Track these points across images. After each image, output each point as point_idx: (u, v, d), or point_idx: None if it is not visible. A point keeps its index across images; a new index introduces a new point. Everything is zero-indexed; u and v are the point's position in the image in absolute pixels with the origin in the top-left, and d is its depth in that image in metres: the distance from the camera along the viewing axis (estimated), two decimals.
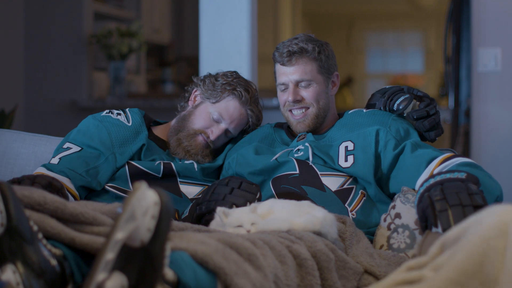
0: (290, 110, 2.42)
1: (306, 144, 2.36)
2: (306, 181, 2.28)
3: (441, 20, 5.91)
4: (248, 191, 2.16)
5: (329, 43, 2.46)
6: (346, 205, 2.25)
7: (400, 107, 2.39)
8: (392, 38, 10.40)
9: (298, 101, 2.40)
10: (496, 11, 4.09)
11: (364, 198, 2.27)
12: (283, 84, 2.42)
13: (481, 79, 4.12)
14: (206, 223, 2.08)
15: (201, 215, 2.16)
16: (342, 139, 2.36)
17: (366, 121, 2.38)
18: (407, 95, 2.41)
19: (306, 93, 2.40)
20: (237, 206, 2.11)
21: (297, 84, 2.40)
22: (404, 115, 2.41)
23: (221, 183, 2.21)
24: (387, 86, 2.52)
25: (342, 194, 2.26)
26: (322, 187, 2.27)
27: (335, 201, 2.25)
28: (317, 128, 2.44)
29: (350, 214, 2.24)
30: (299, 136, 2.43)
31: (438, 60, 8.79)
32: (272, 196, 2.29)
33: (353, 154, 2.31)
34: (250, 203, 2.13)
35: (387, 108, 2.43)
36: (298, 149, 2.36)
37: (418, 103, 2.41)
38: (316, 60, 2.39)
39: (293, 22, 8.33)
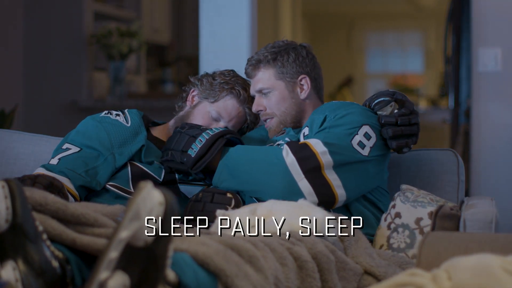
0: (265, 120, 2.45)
1: (286, 138, 2.37)
2: None
3: (441, 20, 5.91)
4: (220, 203, 2.18)
5: (304, 46, 2.44)
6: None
7: (376, 107, 2.35)
8: (392, 38, 10.40)
9: (260, 111, 2.42)
10: (496, 11, 4.09)
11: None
12: (252, 96, 2.46)
13: (481, 79, 4.11)
14: None
15: None
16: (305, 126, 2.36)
17: (325, 108, 2.36)
18: (388, 98, 2.35)
19: (267, 102, 2.41)
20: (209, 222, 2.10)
21: (260, 94, 2.42)
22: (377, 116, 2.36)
23: (196, 199, 2.22)
24: (391, 90, 2.46)
25: None
26: None
27: None
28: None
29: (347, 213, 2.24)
30: (280, 131, 2.44)
31: (438, 60, 8.79)
32: None
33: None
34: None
35: (367, 104, 2.40)
36: (278, 144, 2.37)
37: (397, 109, 2.32)
38: (272, 67, 2.40)
39: (293, 22, 8.32)
